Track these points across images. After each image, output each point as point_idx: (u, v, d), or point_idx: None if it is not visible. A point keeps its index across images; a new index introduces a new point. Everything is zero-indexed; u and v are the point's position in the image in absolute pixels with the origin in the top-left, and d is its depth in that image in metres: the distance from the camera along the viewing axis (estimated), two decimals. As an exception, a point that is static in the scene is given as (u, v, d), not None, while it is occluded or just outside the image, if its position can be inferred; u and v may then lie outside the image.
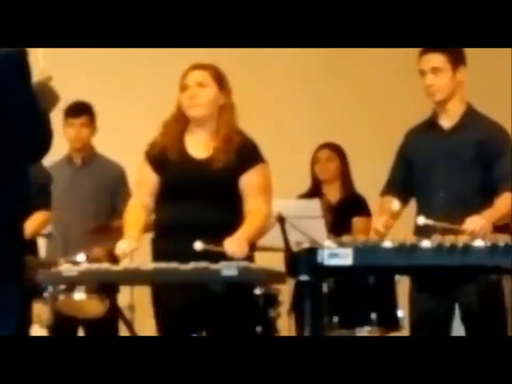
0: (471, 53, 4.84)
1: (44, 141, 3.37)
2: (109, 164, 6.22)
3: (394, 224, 4.62)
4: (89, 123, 6.15)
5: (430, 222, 4.32)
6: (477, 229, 4.29)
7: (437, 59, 4.56)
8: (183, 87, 4.51)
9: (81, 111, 6.16)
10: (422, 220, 4.36)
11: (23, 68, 3.27)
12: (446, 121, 4.65)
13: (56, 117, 5.79)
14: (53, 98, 3.52)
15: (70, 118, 6.06)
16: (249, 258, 4.32)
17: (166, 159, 4.51)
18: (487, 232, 4.28)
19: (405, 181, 4.73)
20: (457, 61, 4.63)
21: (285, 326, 5.23)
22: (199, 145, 4.53)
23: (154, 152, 4.57)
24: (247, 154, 4.49)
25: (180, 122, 4.55)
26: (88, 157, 6.22)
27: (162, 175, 4.53)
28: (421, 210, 4.59)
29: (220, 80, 4.53)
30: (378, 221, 4.61)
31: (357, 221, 6.03)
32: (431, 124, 4.74)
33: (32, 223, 5.06)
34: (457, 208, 4.47)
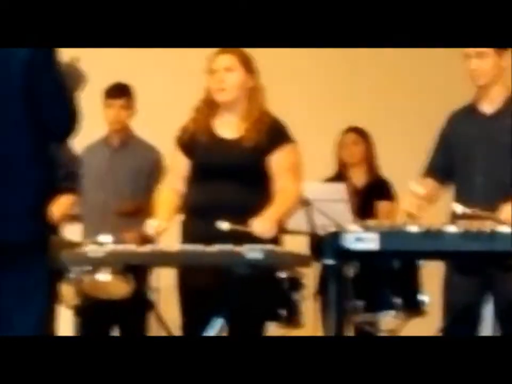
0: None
1: (70, 121, 3.42)
2: (146, 147, 6.14)
3: (431, 209, 4.63)
4: (128, 105, 6.06)
5: (466, 209, 4.23)
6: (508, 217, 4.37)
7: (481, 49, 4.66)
8: (211, 72, 4.52)
9: (120, 92, 6.07)
10: (458, 207, 4.25)
11: (54, 62, 3.35)
12: (488, 107, 4.59)
13: (97, 99, 5.66)
14: (79, 79, 3.54)
15: (109, 99, 5.97)
16: (276, 239, 4.30)
17: (196, 141, 4.53)
18: None
19: (444, 164, 4.67)
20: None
21: (310, 309, 5.26)
22: (229, 127, 4.53)
23: (184, 137, 4.59)
24: (276, 134, 4.49)
25: (209, 107, 4.57)
26: (126, 139, 6.13)
27: (192, 158, 4.55)
28: (459, 196, 4.56)
29: (247, 63, 4.54)
30: (407, 202, 4.57)
31: (382, 205, 6.02)
32: (472, 109, 4.68)
33: (58, 206, 5.07)
34: (496, 195, 4.39)
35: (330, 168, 6.45)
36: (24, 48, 3.40)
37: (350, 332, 4.91)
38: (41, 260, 3.41)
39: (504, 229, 3.94)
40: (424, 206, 4.50)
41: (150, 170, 5.77)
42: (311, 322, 5.32)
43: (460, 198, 4.49)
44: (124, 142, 6.05)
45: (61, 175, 5.12)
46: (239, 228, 4.16)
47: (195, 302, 4.45)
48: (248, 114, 4.49)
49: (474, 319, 4.61)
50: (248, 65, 4.54)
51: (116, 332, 6.20)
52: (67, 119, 3.45)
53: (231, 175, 4.42)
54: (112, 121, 6.08)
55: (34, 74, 3.37)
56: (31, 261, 3.36)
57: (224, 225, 4.12)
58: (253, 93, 4.52)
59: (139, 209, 5.52)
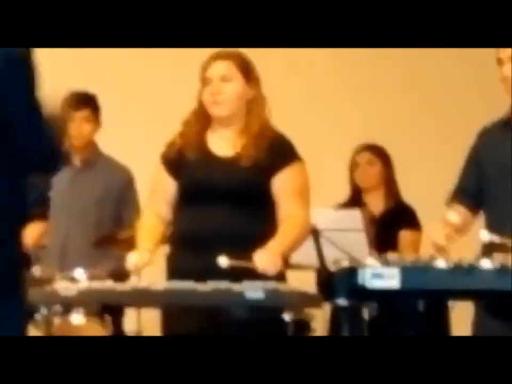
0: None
1: (51, 152, 3.10)
2: (115, 167, 5.73)
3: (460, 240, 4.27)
4: (92, 117, 5.59)
5: (495, 237, 3.84)
6: None
7: None
8: (205, 81, 4.18)
9: (82, 102, 5.59)
10: (485, 235, 3.85)
11: (28, 69, 3.02)
12: None
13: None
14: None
15: (70, 110, 5.53)
16: (281, 276, 3.97)
17: (185, 160, 4.19)
18: None
19: (475, 188, 4.30)
20: None
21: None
22: (224, 143, 4.20)
23: (171, 154, 4.23)
24: (280, 152, 4.14)
25: (202, 120, 4.22)
26: (90, 157, 5.74)
27: (180, 179, 4.20)
28: (490, 224, 4.17)
29: (246, 70, 4.18)
30: (438, 233, 4.14)
31: (405, 235, 5.65)
32: (507, 123, 4.29)
33: (30, 234, 4.73)
34: None
35: (344, 193, 6.06)
36: None
37: None
38: (16, 298, 3.01)
39: None
40: (454, 237, 4.09)
41: (120, 194, 5.43)
42: None
43: (491, 227, 4.08)
44: (88, 161, 5.65)
45: (32, 198, 4.60)
46: (239, 263, 3.83)
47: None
48: (247, 128, 4.16)
49: None
50: (247, 73, 4.18)
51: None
52: (48, 151, 3.12)
53: (226, 199, 4.07)
54: (72, 137, 5.54)
55: (9, 98, 3.04)
56: (4, 300, 2.94)
57: (223, 261, 3.76)
58: (253, 105, 4.18)
59: (110, 239, 5.28)
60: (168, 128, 4.51)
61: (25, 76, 3.02)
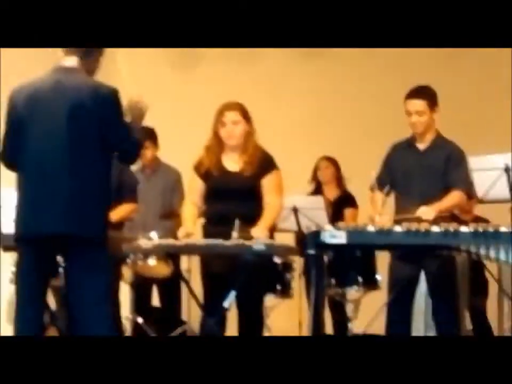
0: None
1: (135, 152, 3.69)
2: (170, 170, 6.12)
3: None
4: (155, 145, 5.98)
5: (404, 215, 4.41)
6: (425, 215, 4.42)
7: (419, 104, 4.63)
8: (222, 123, 4.57)
9: (146, 136, 5.99)
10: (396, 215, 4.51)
11: (118, 105, 3.52)
12: (421, 145, 4.72)
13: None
14: (142, 111, 3.65)
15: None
16: (271, 237, 4.42)
17: (210, 173, 4.62)
18: (433, 216, 4.41)
19: (387, 182, 4.73)
20: (433, 105, 4.69)
21: (298, 286, 5.29)
22: (233, 162, 4.64)
23: (201, 169, 4.67)
24: (265, 164, 4.58)
25: (219, 146, 4.63)
26: (155, 167, 6.09)
27: (207, 183, 4.63)
28: (399, 205, 4.65)
29: (247, 116, 4.61)
30: (373, 212, 4.62)
31: (348, 212, 6.05)
32: (410, 144, 4.78)
33: (122, 211, 5.12)
34: (424, 204, 4.51)
35: (310, 186, 6.39)
36: (98, 102, 3.55)
37: (325, 301, 4.93)
38: (103, 255, 3.55)
39: (434, 228, 3.97)
40: (380, 212, 4.57)
41: (173, 186, 5.82)
42: (298, 295, 5.33)
43: (400, 206, 4.62)
44: (154, 169, 6.06)
45: (125, 189, 5.20)
46: (243, 235, 4.27)
47: (214, 280, 4.53)
48: (246, 150, 4.59)
49: (412, 291, 4.68)
50: (247, 117, 4.61)
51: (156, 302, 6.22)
52: (134, 152, 3.70)
53: (234, 195, 4.51)
54: (144, 160, 5.92)
55: (109, 123, 3.54)
56: (97, 254, 3.53)
57: (234, 235, 4.23)
58: (249, 136, 4.58)
59: (170, 214, 5.60)
60: (195, 143, 4.79)
61: (117, 109, 3.53)
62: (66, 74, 3.59)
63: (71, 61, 3.58)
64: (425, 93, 4.69)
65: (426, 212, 4.43)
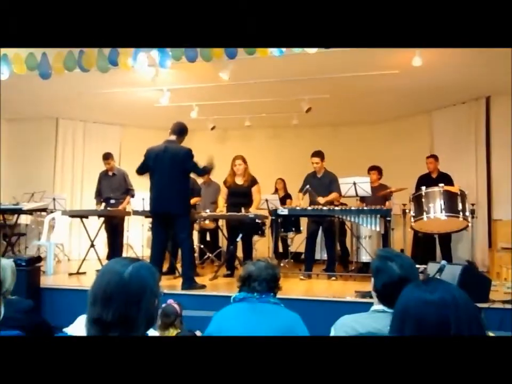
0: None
1: (201, 175, 4.56)
2: (215, 184, 6.34)
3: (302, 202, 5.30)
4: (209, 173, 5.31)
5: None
6: (320, 201, 5.16)
7: (316, 159, 5.37)
8: (234, 165, 5.36)
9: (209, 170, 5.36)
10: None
11: (192, 157, 4.25)
12: (318, 174, 5.45)
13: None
14: (212, 166, 4.43)
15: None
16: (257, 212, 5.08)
17: (230, 186, 5.37)
18: (323, 202, 5.15)
19: (304, 189, 5.38)
20: (323, 159, 5.41)
21: (268, 231, 6.24)
22: (239, 180, 5.38)
23: (226, 183, 5.43)
24: (253, 181, 5.38)
25: (233, 174, 5.40)
26: (208, 183, 6.55)
27: (229, 189, 5.41)
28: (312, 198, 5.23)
29: (245, 161, 5.39)
30: (298, 202, 5.35)
31: (288, 202, 6.81)
32: (314, 174, 5.50)
33: (194, 201, 5.59)
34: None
35: (273, 190, 7.20)
36: (184, 151, 4.18)
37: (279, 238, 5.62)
38: (188, 220, 4.36)
39: (325, 208, 4.99)
40: (300, 201, 5.40)
41: (217, 191, 6.07)
42: (268, 236, 6.26)
43: (312, 199, 5.31)
44: (209, 183, 6.52)
45: (196, 191, 5.79)
46: (246, 212, 5.05)
47: (232, 229, 5.37)
48: (244, 176, 5.40)
49: (316, 234, 5.46)
50: (245, 161, 5.39)
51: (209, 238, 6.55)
52: (200, 174, 4.51)
53: (240, 195, 5.32)
54: (204, 179, 6.19)
55: (187, 164, 4.28)
56: (185, 220, 4.32)
57: (243, 211, 5.10)
58: (246, 170, 5.39)
59: (215, 202, 5.92)
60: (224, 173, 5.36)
61: (192, 160, 4.18)
62: (170, 143, 4.38)
63: (172, 137, 4.41)
64: (319, 154, 5.48)
65: (321, 200, 5.23)
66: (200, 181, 6.03)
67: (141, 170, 4.39)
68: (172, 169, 4.20)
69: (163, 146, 4.37)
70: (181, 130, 4.40)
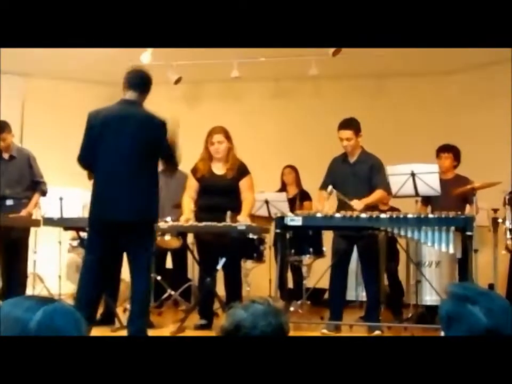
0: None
1: (175, 165, 4.73)
2: (183, 174, 6.36)
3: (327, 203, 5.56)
4: None
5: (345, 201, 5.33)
6: (356, 206, 5.36)
7: (348, 132, 5.60)
8: (211, 143, 5.58)
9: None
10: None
11: (166, 132, 4.49)
12: (351, 158, 5.70)
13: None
14: (177, 130, 4.57)
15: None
16: (251, 221, 5.38)
17: (203, 176, 5.61)
18: (362, 207, 5.35)
19: (329, 183, 5.59)
20: (358, 132, 5.64)
21: (268, 254, 6.44)
22: (218, 168, 5.61)
23: (197, 173, 5.65)
24: (241, 171, 5.61)
25: (209, 159, 5.63)
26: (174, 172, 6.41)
27: (200, 182, 5.63)
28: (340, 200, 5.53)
29: (228, 137, 5.62)
30: (320, 205, 5.56)
31: (305, 204, 7.07)
32: (344, 158, 5.76)
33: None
34: (356, 198, 5.43)
35: (277, 185, 7.48)
36: (156, 122, 4.41)
37: (287, 265, 5.96)
38: (154, 233, 4.67)
39: (362, 215, 5.18)
40: (324, 206, 5.59)
41: (184, 186, 6.22)
42: (268, 260, 6.48)
43: (340, 201, 5.56)
44: (169, 174, 6.29)
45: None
46: (231, 221, 5.23)
47: (207, 250, 5.64)
48: (227, 161, 5.62)
49: (347, 258, 5.70)
50: (229, 138, 5.63)
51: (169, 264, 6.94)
52: (175, 164, 4.71)
53: (220, 192, 5.52)
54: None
55: (161, 143, 4.48)
56: (150, 233, 4.59)
57: (227, 219, 5.25)
58: (229, 150, 5.63)
59: (178, 205, 6.18)
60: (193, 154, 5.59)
61: (165, 134, 4.46)
62: (129, 105, 4.50)
63: (130, 95, 4.52)
64: (351, 124, 5.63)
65: (357, 203, 5.38)
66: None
67: (88, 157, 4.50)
68: (135, 152, 4.39)
69: (117, 109, 4.49)
70: (144, 83, 4.55)
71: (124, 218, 4.37)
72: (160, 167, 5.90)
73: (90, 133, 4.48)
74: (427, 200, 6.04)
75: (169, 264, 7.22)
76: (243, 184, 5.58)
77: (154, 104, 4.70)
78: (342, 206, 5.52)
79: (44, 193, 6.06)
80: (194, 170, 5.66)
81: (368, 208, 5.42)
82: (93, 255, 4.51)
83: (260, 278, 6.82)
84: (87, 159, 4.52)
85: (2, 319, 1.35)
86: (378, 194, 5.58)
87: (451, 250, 5.15)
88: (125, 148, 4.36)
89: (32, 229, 6.21)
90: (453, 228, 5.08)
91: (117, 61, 4.81)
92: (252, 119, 8.37)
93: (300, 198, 7.22)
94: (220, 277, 5.63)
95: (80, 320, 1.41)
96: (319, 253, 6.45)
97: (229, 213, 5.25)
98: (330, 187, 5.48)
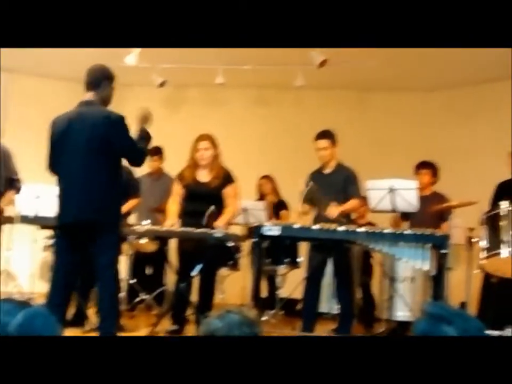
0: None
1: (140, 161, 4.64)
2: (169, 177, 6.80)
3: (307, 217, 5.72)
4: (159, 159, 7.11)
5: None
6: (331, 211, 5.49)
7: (324, 142, 5.78)
8: (196, 150, 5.66)
9: (156, 152, 6.92)
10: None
11: (125, 126, 4.41)
12: (327, 170, 5.84)
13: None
14: (147, 136, 4.61)
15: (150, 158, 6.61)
16: (227, 228, 5.45)
17: (188, 183, 5.69)
18: (336, 214, 5.48)
19: (308, 197, 5.73)
20: (334, 142, 5.82)
21: (245, 262, 6.52)
22: (203, 176, 5.68)
23: (182, 180, 5.74)
24: (226, 179, 5.66)
25: (194, 166, 5.70)
26: (158, 174, 7.23)
27: (185, 189, 5.71)
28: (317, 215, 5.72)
29: (214, 144, 5.72)
30: (301, 221, 5.68)
31: (282, 214, 7.27)
32: (320, 170, 5.91)
33: (129, 204, 6.07)
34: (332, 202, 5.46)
35: (254, 193, 7.61)
36: (110, 118, 4.32)
37: (264, 277, 5.97)
38: (116, 236, 4.54)
39: (340, 228, 5.24)
40: (302, 217, 5.79)
41: (169, 190, 6.28)
42: (244, 268, 6.56)
43: (318, 213, 5.73)
44: (157, 176, 7.18)
45: (131, 189, 6.13)
46: (209, 226, 5.34)
47: (185, 256, 5.67)
48: (212, 169, 5.70)
49: (322, 271, 5.77)
50: (215, 145, 5.70)
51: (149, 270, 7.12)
52: (139, 158, 4.61)
53: (205, 198, 5.60)
54: (152, 169, 7.00)
55: (119, 141, 4.39)
56: (112, 236, 4.50)
57: (204, 223, 5.36)
58: (215, 157, 5.69)
59: (161, 209, 6.37)
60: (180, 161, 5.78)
61: (124, 129, 4.37)
62: (87, 106, 4.46)
63: (89, 95, 4.46)
64: (326, 134, 5.73)
65: (332, 210, 5.56)
66: (142, 171, 6.29)
67: (54, 164, 4.51)
68: (90, 151, 4.36)
69: (75, 113, 4.47)
70: (101, 79, 4.51)
71: (82, 218, 4.38)
72: (146, 170, 6.20)
73: (51, 140, 4.50)
74: (405, 216, 6.07)
75: (145, 269, 7.41)
76: (227, 191, 5.64)
77: (135, 106, 4.70)
78: (319, 218, 5.64)
79: (18, 190, 5.99)
80: (179, 177, 5.73)
81: (343, 218, 5.56)
82: (60, 257, 4.51)
83: (234, 286, 6.89)
84: (54, 165, 4.54)
85: None
86: (352, 203, 5.68)
87: (426, 267, 5.19)
88: (81, 149, 4.36)
89: (8, 227, 6.13)
90: (429, 245, 5.13)
91: (101, 60, 4.80)
92: (233, 127, 8.44)
93: (277, 207, 7.35)
94: (194, 283, 5.67)
95: (56, 323, 1.41)
96: (294, 264, 6.54)
97: (212, 207, 5.36)
98: (310, 183, 5.62)
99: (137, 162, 4.66)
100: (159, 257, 6.84)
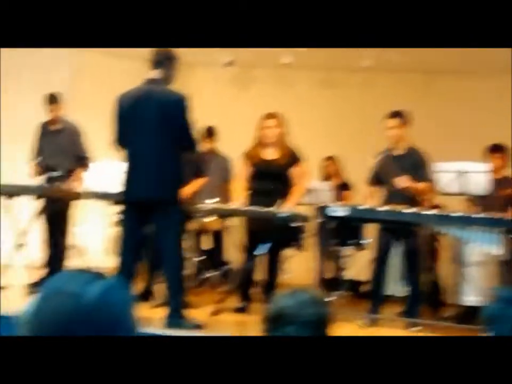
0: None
1: (194, 144, 4.74)
2: (223, 158, 7.07)
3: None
4: (211, 140, 7.03)
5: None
6: (400, 182, 5.45)
7: (393, 121, 5.68)
8: (263, 128, 5.70)
9: (208, 133, 6.94)
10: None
11: (185, 107, 4.51)
12: (397, 151, 5.76)
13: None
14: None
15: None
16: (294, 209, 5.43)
17: (253, 161, 5.74)
18: (406, 184, 5.42)
19: (376, 179, 5.76)
20: (404, 122, 5.65)
21: (309, 243, 6.37)
22: (270, 154, 5.74)
23: (248, 158, 5.80)
24: (294, 158, 5.72)
25: (262, 144, 5.75)
26: (212, 155, 7.07)
27: (252, 167, 5.76)
28: (385, 195, 5.69)
29: (281, 122, 5.74)
30: (371, 201, 5.70)
31: (345, 194, 7.33)
32: (388, 152, 5.79)
33: (197, 183, 6.01)
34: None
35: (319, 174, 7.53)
36: (172, 105, 4.44)
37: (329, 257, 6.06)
38: (180, 212, 4.70)
39: (408, 210, 5.13)
40: (371, 198, 5.78)
41: (226, 169, 6.80)
42: (310, 249, 6.40)
43: (386, 195, 5.70)
44: (212, 157, 7.10)
45: (196, 168, 6.08)
46: (278, 207, 5.39)
47: (251, 234, 5.71)
48: (279, 147, 5.73)
49: (389, 252, 5.64)
50: (282, 123, 5.73)
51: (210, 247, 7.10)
52: (193, 147, 4.77)
53: (271, 177, 5.68)
54: (204, 149, 6.75)
55: (182, 121, 4.50)
56: (176, 211, 4.66)
57: (275, 206, 5.39)
58: (281, 136, 5.74)
59: (225, 187, 6.56)
60: (245, 139, 5.88)
61: (186, 110, 4.50)
62: (153, 84, 4.58)
63: (153, 73, 4.58)
64: (398, 114, 5.67)
65: (401, 180, 5.43)
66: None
67: (121, 139, 4.61)
68: (159, 130, 4.43)
69: (142, 90, 4.55)
70: (166, 59, 4.58)
71: (151, 195, 4.46)
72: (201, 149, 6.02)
73: (119, 115, 4.58)
74: (476, 200, 5.99)
75: (209, 246, 7.34)
76: (295, 171, 5.67)
77: (200, 89, 4.80)
78: (387, 198, 5.61)
79: (86, 167, 6.10)
80: (249, 156, 5.75)
81: (412, 203, 5.45)
82: (127, 232, 4.65)
83: (299, 266, 6.80)
84: (121, 140, 4.63)
85: (56, 292, 1.27)
86: (423, 185, 5.60)
87: (496, 252, 5.11)
88: (150, 127, 4.43)
89: (78, 202, 6.23)
90: (499, 229, 5.02)
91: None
92: (299, 108, 8.22)
93: (340, 188, 7.37)
94: (259, 262, 5.65)
95: (131, 296, 1.36)
96: (361, 245, 6.51)
97: (279, 201, 5.36)
98: (379, 155, 5.61)
99: (191, 145, 4.74)
100: (219, 234, 6.85)
